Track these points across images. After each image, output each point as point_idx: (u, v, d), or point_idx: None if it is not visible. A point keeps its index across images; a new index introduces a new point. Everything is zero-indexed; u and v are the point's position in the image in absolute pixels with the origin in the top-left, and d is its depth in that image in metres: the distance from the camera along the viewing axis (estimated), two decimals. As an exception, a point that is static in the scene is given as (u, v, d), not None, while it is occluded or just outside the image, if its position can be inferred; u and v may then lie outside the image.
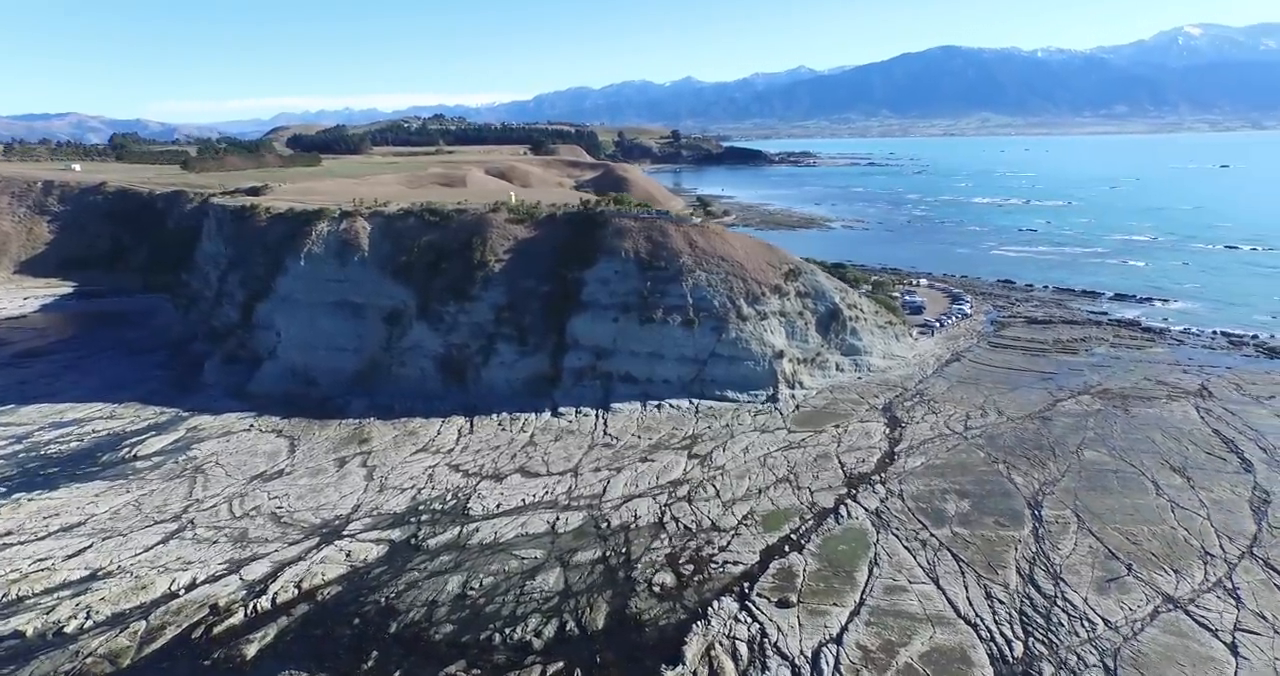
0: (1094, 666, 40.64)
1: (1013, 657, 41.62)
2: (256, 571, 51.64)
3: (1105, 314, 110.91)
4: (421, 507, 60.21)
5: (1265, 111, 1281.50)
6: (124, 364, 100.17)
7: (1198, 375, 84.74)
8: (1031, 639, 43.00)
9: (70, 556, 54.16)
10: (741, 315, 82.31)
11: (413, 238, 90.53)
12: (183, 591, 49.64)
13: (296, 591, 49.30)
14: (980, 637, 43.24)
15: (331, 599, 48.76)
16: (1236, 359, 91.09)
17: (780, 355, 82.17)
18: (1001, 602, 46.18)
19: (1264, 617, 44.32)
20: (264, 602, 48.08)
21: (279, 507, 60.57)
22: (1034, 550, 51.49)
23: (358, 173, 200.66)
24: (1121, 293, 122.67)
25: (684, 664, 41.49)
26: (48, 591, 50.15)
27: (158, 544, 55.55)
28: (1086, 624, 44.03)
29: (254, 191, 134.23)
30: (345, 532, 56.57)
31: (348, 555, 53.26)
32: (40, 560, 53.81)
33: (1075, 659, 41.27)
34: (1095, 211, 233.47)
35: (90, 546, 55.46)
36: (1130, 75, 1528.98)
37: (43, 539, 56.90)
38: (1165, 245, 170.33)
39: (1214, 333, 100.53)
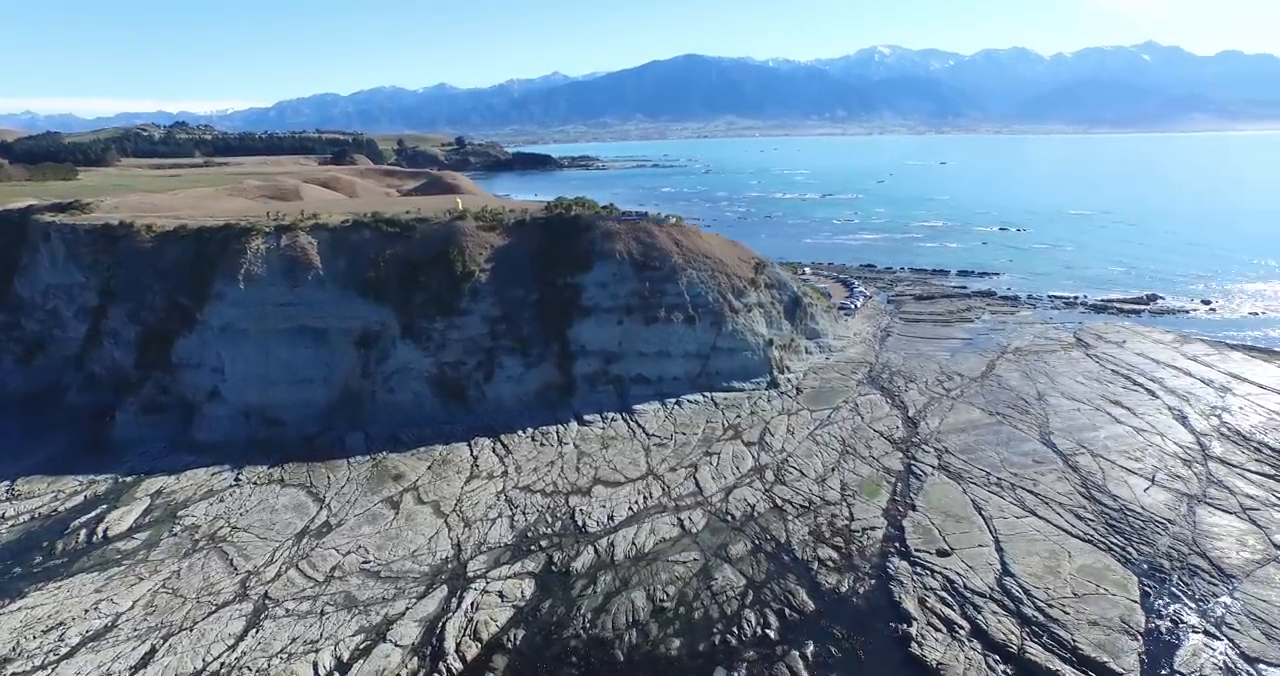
0: (1191, 553, 51.42)
1: (1135, 559, 51.06)
2: (407, 633, 45.58)
3: (965, 287, 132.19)
4: (531, 534, 56.49)
5: (941, 119, 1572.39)
6: (-35, 434, 77.95)
7: (1066, 330, 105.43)
8: (1134, 543, 52.92)
9: (138, 667, 43.28)
10: (733, 309, 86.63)
11: (373, 251, 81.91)
12: (337, 673, 42.46)
13: (478, 644, 44.61)
14: (1100, 548, 52.30)
15: (523, 643, 44.89)
16: (1078, 315, 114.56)
17: (770, 343, 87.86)
18: (1093, 520, 55.91)
19: (1251, 497, 58.78)
20: (454, 663, 43.00)
21: (366, 562, 53.12)
22: (1079, 478, 62.39)
23: (160, 187, 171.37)
24: (963, 269, 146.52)
25: (916, 620, 45.14)
26: (146, 712, 40.01)
27: (248, 629, 46.33)
28: (1158, 523, 55.11)
29: (64, 209, 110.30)
30: (470, 574, 51.57)
31: (501, 596, 48.90)
32: (95, 680, 42.35)
33: (1175, 551, 51.78)
34: (884, 203, 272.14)
35: (155, 650, 44.68)
36: (844, 84, 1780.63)
37: (69, 655, 44.59)
38: (957, 229, 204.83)
39: (1049, 297, 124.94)
